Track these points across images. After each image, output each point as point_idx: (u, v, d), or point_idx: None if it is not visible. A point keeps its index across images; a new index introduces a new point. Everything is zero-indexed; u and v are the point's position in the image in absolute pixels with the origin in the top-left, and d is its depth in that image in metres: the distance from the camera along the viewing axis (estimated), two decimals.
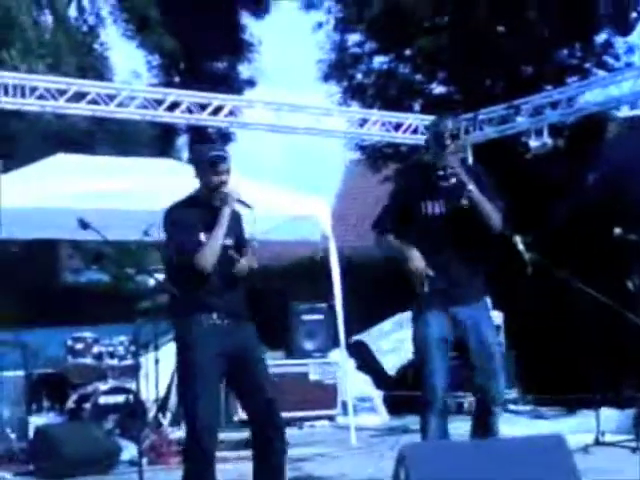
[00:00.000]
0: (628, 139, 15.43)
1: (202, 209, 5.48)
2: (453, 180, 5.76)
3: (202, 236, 5.36)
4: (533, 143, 11.54)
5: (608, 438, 7.90)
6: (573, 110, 12.05)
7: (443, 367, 5.72)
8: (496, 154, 12.16)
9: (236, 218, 5.61)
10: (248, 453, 5.54)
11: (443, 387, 5.72)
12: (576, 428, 8.60)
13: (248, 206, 5.59)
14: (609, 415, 8.61)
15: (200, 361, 5.23)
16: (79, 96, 10.62)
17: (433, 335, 5.73)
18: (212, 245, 5.34)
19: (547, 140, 11.49)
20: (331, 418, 10.89)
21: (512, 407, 10.57)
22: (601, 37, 15.18)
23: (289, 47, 38.42)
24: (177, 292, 5.35)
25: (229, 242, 5.46)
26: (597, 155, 14.73)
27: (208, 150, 5.57)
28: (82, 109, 10.80)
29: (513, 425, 8.95)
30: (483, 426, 5.82)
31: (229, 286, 5.41)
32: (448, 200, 5.79)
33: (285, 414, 5.62)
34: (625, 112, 15.63)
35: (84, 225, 6.87)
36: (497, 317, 10.27)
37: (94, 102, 10.68)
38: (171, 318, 5.47)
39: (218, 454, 5.37)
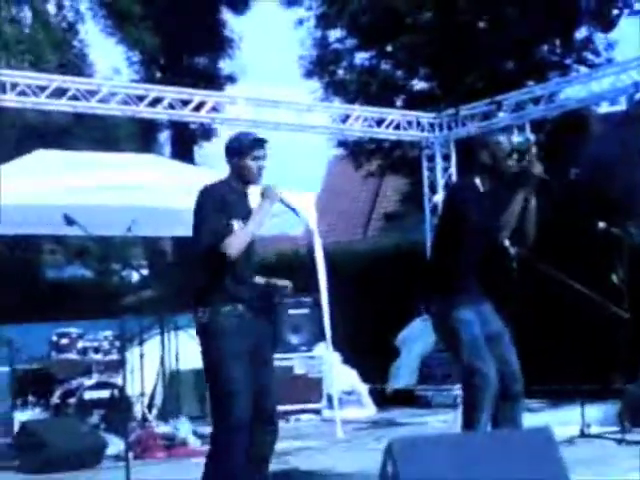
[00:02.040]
0: (609, 134, 15.53)
1: (235, 195, 5.29)
2: None
3: (235, 224, 5.18)
4: (516, 139, 11.57)
5: (594, 430, 7.93)
6: (554, 106, 12.13)
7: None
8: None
9: None
10: None
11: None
12: (561, 420, 8.64)
13: (292, 208, 5.47)
14: (594, 407, 8.65)
15: (226, 352, 5.07)
16: (60, 92, 10.59)
17: (479, 330, 5.80)
18: (242, 235, 5.15)
19: (530, 136, 11.53)
20: (317, 411, 10.92)
21: None
22: (582, 33, 15.30)
23: (270, 43, 38.42)
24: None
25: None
26: (579, 150, 14.81)
27: (246, 135, 5.43)
28: (63, 105, 10.77)
29: None
30: (508, 412, 5.86)
31: (253, 278, 5.32)
32: None
33: None
34: (605, 108, 15.76)
35: (69, 221, 6.83)
36: None
37: (75, 98, 10.66)
38: (197, 307, 5.21)
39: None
